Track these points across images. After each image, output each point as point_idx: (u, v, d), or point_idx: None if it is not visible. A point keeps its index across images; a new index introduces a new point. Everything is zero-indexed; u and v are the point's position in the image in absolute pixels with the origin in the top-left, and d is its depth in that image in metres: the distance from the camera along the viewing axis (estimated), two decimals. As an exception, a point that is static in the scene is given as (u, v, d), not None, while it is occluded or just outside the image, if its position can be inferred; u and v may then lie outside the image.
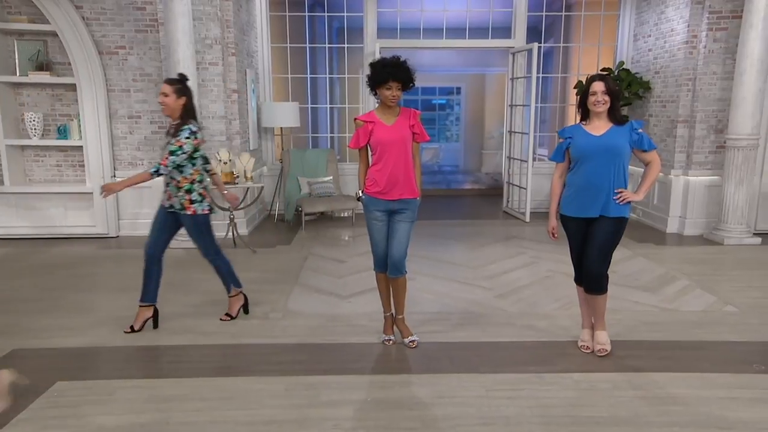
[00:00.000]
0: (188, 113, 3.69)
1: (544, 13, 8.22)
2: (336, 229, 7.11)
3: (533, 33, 8.47)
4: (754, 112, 5.98)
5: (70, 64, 6.21)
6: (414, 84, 3.36)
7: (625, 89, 7.19)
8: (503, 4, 8.04)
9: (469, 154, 14.27)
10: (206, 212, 3.80)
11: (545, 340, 3.72)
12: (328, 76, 9.38)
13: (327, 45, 9.07)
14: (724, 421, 2.76)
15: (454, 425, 2.74)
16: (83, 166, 6.52)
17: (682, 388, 3.07)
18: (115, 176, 6.41)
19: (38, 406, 2.91)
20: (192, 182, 3.70)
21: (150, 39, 6.28)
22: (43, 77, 6.22)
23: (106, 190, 3.59)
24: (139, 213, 6.47)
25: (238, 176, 6.06)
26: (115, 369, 3.37)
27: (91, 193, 6.34)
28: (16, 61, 6.21)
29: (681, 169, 6.75)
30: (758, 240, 6.23)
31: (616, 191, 3.22)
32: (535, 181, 7.69)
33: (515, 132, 7.97)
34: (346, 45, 8.26)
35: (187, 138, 3.59)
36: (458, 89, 15.28)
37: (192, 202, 3.71)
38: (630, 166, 3.40)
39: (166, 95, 3.62)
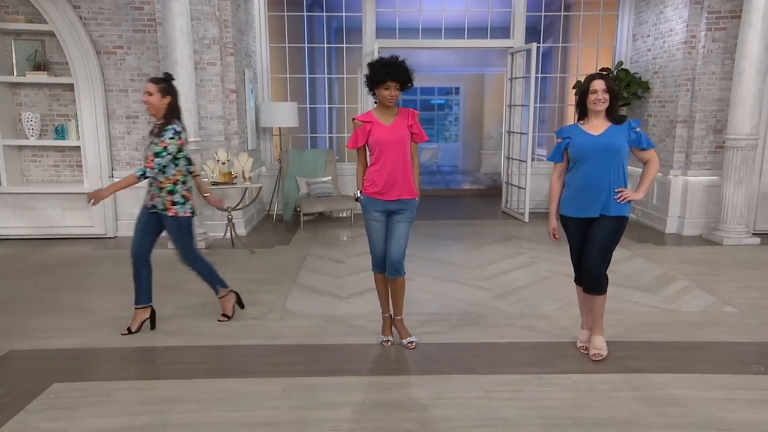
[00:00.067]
0: (173, 113, 3.64)
1: (542, 13, 8.22)
2: (334, 229, 7.09)
3: (532, 33, 8.47)
4: (753, 112, 5.97)
5: (67, 64, 6.18)
6: (412, 84, 3.34)
7: (624, 89, 7.18)
8: (502, 4, 8.03)
9: (467, 154, 14.27)
10: (187, 215, 3.72)
11: (544, 340, 3.71)
12: (326, 76, 9.37)
13: (325, 45, 9.05)
14: (723, 423, 2.75)
15: (453, 427, 2.73)
16: (81, 166, 6.49)
17: (682, 389, 3.06)
18: (112, 176, 6.39)
19: (34, 407, 2.89)
20: (175, 183, 3.65)
21: (148, 39, 6.26)
22: (41, 77, 6.20)
23: (94, 197, 3.56)
24: (136, 213, 6.42)
25: (236, 176, 6.04)
26: (111, 370, 3.35)
27: (89, 193, 6.31)
28: (14, 60, 6.19)
29: (680, 170, 6.75)
30: (757, 240, 6.22)
31: (616, 190, 3.20)
32: (534, 182, 7.68)
33: (514, 132, 7.96)
34: (344, 45, 8.25)
35: (171, 138, 3.54)
36: (457, 89, 15.28)
37: (174, 203, 3.66)
38: (629, 167, 3.39)
39: (150, 94, 3.58)
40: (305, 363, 3.40)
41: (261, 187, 6.63)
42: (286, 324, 4.00)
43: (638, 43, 7.56)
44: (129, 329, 3.79)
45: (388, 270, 3.49)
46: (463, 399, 2.97)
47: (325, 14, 8.45)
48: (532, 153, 7.62)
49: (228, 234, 6.07)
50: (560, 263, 5.28)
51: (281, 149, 7.70)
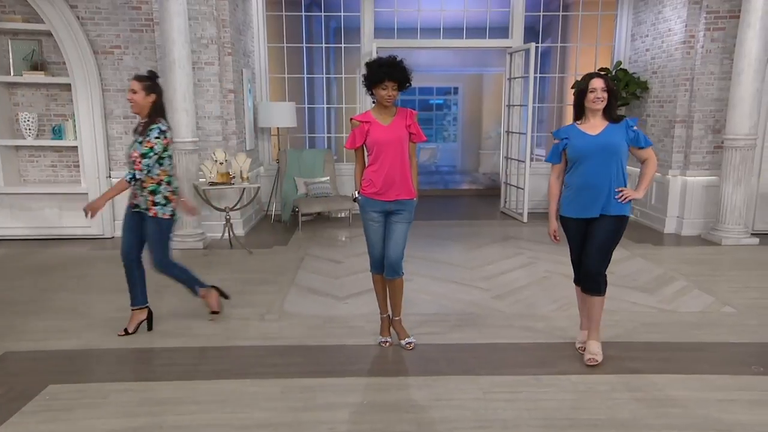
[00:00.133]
0: (157, 111, 3.59)
1: (541, 13, 8.21)
2: (333, 229, 7.08)
3: (530, 33, 8.46)
4: (752, 112, 5.96)
5: (64, 63, 6.17)
6: (410, 84, 3.33)
7: (622, 89, 7.18)
8: (500, 4, 8.02)
9: (466, 154, 14.26)
10: (166, 217, 3.64)
11: (543, 341, 3.70)
12: (325, 76, 9.36)
13: (324, 45, 9.03)
14: (722, 424, 2.74)
15: (451, 428, 2.72)
16: (78, 166, 6.47)
17: (681, 390, 3.05)
18: (110, 176, 6.37)
19: (30, 409, 2.87)
20: (158, 183, 3.59)
21: (145, 38, 6.24)
22: (38, 77, 6.18)
23: (91, 209, 3.51)
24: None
25: (234, 176, 6.02)
26: (108, 372, 3.33)
27: (87, 193, 6.29)
28: (11, 60, 6.16)
29: (679, 170, 6.74)
30: (756, 240, 6.22)
31: (617, 190, 3.19)
32: (533, 182, 7.68)
33: (513, 132, 7.95)
34: (343, 45, 8.24)
35: (157, 138, 3.50)
36: (455, 89, 15.27)
37: (155, 204, 3.59)
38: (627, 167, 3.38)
39: (134, 92, 3.53)
40: (303, 364, 3.38)
41: (259, 188, 6.61)
42: (283, 325, 3.98)
43: (637, 43, 7.56)
44: (126, 330, 3.77)
45: (386, 271, 3.48)
46: (462, 400, 2.96)
47: (323, 14, 8.44)
48: (531, 153, 7.61)
49: (226, 234, 6.05)
50: (559, 263, 5.27)
51: (279, 149, 7.68)
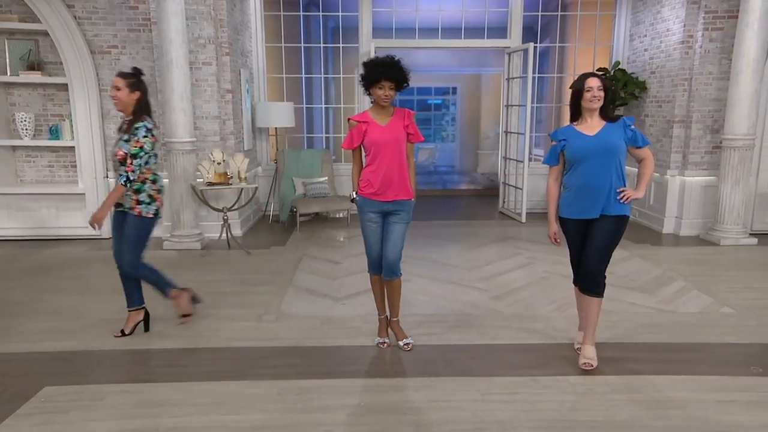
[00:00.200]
0: (142, 109, 3.53)
1: (540, 13, 8.21)
2: (331, 230, 7.06)
3: (529, 33, 8.45)
4: (750, 112, 5.96)
5: (61, 63, 6.14)
6: (408, 84, 3.31)
7: (621, 89, 7.17)
8: (499, 3, 8.02)
9: (464, 155, 14.25)
10: (150, 216, 3.58)
11: (541, 342, 3.68)
12: (323, 76, 9.35)
13: (322, 45, 9.02)
14: (721, 425, 2.73)
15: (449, 430, 2.70)
16: (75, 166, 6.45)
17: (680, 391, 3.04)
18: (107, 177, 6.34)
19: (24, 412, 2.85)
20: (143, 182, 3.54)
21: (143, 38, 6.22)
22: (35, 77, 6.16)
23: (96, 222, 3.48)
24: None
25: (231, 177, 6.00)
26: (104, 373, 3.30)
27: (84, 194, 6.28)
28: (7, 60, 6.14)
29: (677, 170, 6.73)
30: (754, 240, 6.21)
31: (618, 191, 3.17)
32: (531, 182, 7.67)
33: (511, 132, 7.94)
34: (341, 45, 8.23)
35: (145, 137, 3.45)
36: (454, 89, 15.25)
37: (139, 202, 3.54)
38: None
39: (118, 89, 3.47)
40: (300, 365, 3.37)
41: (257, 188, 6.59)
42: (281, 326, 3.96)
43: (635, 43, 7.55)
44: (122, 331, 3.75)
45: (384, 271, 3.46)
46: (459, 402, 2.94)
47: (321, 14, 8.43)
48: (529, 153, 7.61)
49: (224, 235, 6.03)
50: (557, 264, 5.26)
51: (277, 149, 7.67)
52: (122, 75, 3.53)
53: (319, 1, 8.07)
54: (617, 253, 4.19)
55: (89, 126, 6.22)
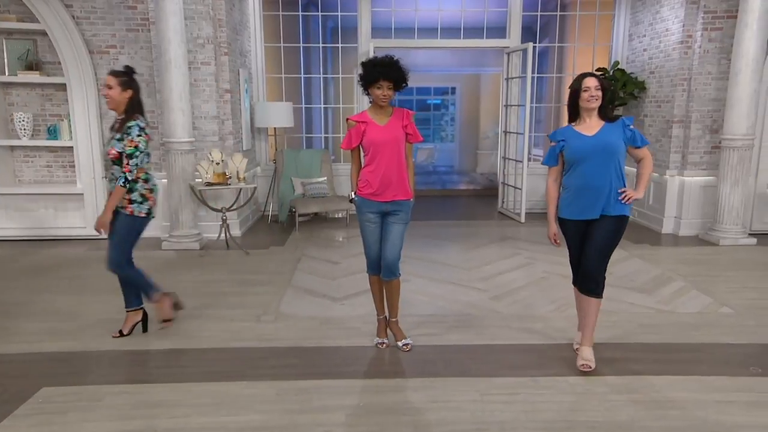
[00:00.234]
0: (134, 108, 3.50)
1: (539, 13, 8.21)
2: (330, 230, 7.05)
3: (528, 33, 8.44)
4: (749, 112, 5.96)
5: (60, 63, 6.13)
6: (407, 84, 3.31)
7: (620, 89, 7.17)
8: (498, 3, 8.01)
9: (464, 155, 14.25)
10: (142, 215, 3.55)
11: (541, 342, 3.68)
12: (322, 75, 9.33)
13: (321, 45, 9.01)
14: (721, 426, 2.72)
15: (449, 431, 2.70)
16: (74, 166, 6.44)
17: (679, 392, 3.03)
18: (105, 177, 6.30)
19: (22, 412, 2.84)
20: (135, 181, 3.51)
21: (141, 38, 6.21)
22: (33, 77, 6.14)
23: (101, 226, 3.47)
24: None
25: (230, 177, 5.99)
26: (102, 374, 3.30)
27: (82, 194, 6.27)
28: (5, 60, 6.13)
29: (676, 170, 6.73)
30: (754, 240, 6.21)
31: (619, 191, 3.16)
32: (530, 182, 7.66)
33: (510, 132, 7.93)
34: (340, 45, 8.21)
35: (139, 136, 3.43)
36: (453, 89, 15.25)
37: (131, 201, 3.51)
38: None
39: (110, 87, 3.45)
40: (299, 366, 3.36)
41: (256, 188, 6.59)
42: (280, 326, 3.95)
43: (634, 43, 7.55)
44: (120, 332, 3.73)
45: (383, 272, 3.45)
46: (459, 402, 2.94)
47: (320, 14, 8.41)
48: (529, 153, 7.60)
49: (222, 235, 6.02)
50: (557, 264, 5.25)
51: (276, 149, 7.66)
52: (114, 73, 3.50)
53: (318, 1, 8.06)
54: (616, 253, 4.20)
55: (87, 126, 6.20)
